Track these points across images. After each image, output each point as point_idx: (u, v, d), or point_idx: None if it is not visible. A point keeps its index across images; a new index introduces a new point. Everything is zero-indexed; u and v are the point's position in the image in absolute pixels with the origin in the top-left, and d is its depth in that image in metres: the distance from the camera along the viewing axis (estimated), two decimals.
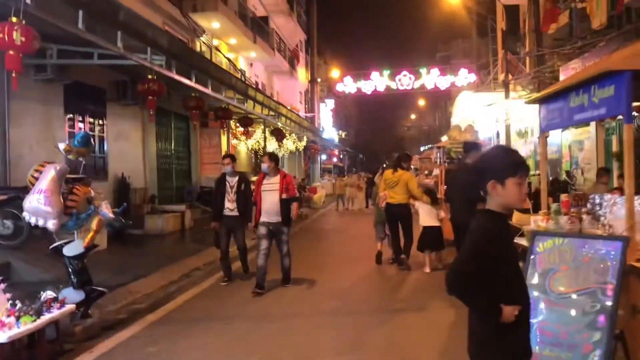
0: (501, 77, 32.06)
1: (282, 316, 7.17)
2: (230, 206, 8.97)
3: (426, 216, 9.71)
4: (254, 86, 17.73)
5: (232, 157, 9.49)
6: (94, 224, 6.16)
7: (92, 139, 6.82)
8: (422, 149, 57.52)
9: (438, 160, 14.50)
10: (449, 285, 2.60)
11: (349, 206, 24.61)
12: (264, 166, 8.52)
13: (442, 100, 57.84)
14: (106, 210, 6.29)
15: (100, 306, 7.23)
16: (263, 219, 8.37)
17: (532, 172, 25.56)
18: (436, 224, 9.67)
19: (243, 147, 25.74)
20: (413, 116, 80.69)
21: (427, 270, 9.54)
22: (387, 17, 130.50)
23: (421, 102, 68.45)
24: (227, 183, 9.08)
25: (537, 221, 5.95)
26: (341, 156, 54.89)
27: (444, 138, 35.28)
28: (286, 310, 7.48)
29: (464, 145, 12.95)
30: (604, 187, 10.27)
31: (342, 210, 24.60)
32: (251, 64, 27.65)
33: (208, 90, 12.95)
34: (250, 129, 22.66)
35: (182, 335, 6.34)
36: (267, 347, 5.95)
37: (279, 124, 20.41)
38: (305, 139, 26.14)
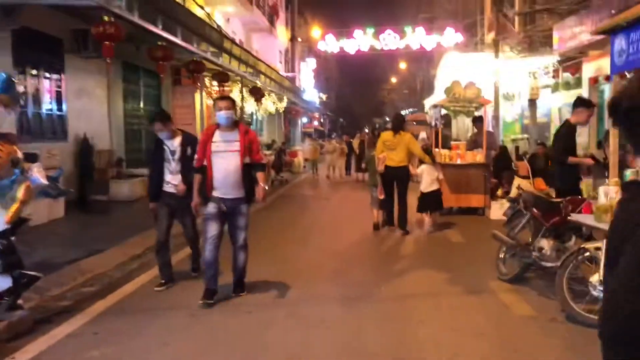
0: (489, 37, 30.83)
1: (261, 304, 5.88)
2: (172, 180, 6.39)
3: (429, 180, 9.57)
4: (229, 37, 16.11)
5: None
6: (20, 193, 4.78)
7: (15, 84, 5.30)
8: (403, 112, 56.27)
9: (433, 121, 13.22)
10: (616, 334, 1.28)
11: (331, 174, 21.92)
12: (222, 114, 5.78)
13: (423, 63, 56.39)
14: (37, 175, 4.92)
15: (40, 291, 5.91)
16: (214, 193, 5.83)
17: (520, 136, 24.45)
18: (436, 187, 9.63)
19: None
20: (394, 80, 79.14)
21: (427, 227, 9.60)
22: None
23: (402, 65, 66.92)
24: (165, 148, 6.37)
25: (608, 193, 4.65)
26: (322, 120, 53.38)
27: (430, 100, 34.08)
28: (265, 296, 6.16)
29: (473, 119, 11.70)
30: None
31: (317, 178, 22.53)
32: (228, 20, 25.83)
33: (177, 40, 11.42)
34: (226, 87, 21.21)
35: (136, 331, 5.05)
36: (247, 345, 4.70)
37: (258, 82, 18.89)
38: (285, 99, 24.63)
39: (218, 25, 16.93)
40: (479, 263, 7.24)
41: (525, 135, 23.69)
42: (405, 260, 7.72)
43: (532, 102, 22.73)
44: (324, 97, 44.92)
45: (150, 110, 17.64)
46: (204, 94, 20.51)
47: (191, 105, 19.48)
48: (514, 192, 10.96)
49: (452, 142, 11.96)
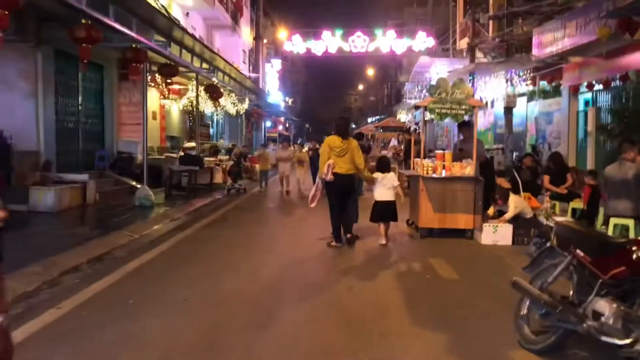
0: (462, 42, 29.36)
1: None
2: None
3: (383, 190, 8.76)
4: (180, 25, 13.96)
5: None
6: None
7: None
8: (369, 120, 54.75)
9: (413, 125, 11.38)
10: None
11: (284, 187, 16.76)
12: None
13: (392, 69, 55.02)
14: None
15: None
16: None
17: (494, 146, 22.81)
18: (391, 197, 8.75)
19: (175, 108, 21.98)
20: (361, 87, 77.84)
21: (384, 242, 8.75)
22: None
23: (370, 72, 65.55)
24: None
25: None
26: (287, 124, 51.35)
27: (401, 106, 32.55)
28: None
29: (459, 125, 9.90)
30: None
31: (265, 193, 17.31)
32: (187, 14, 23.65)
33: (108, 20, 9.30)
34: (180, 86, 19.00)
35: None
36: None
37: (215, 80, 16.77)
38: (247, 101, 22.52)
39: (167, 11, 14.77)
40: (487, 316, 5.31)
41: (500, 145, 22.16)
42: (388, 312, 5.63)
43: (509, 110, 21.19)
44: (289, 101, 42.89)
45: (91, 107, 15.38)
46: (154, 90, 18.34)
47: (140, 103, 17.24)
48: (511, 211, 9.21)
49: (436, 151, 10.10)
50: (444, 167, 9.07)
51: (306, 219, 11.53)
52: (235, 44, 30.22)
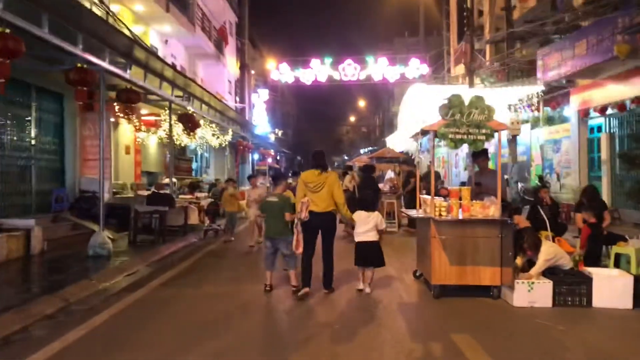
0: (457, 69, 27.73)
1: None
2: None
3: (365, 228, 7.50)
4: (145, 46, 12.00)
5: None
6: None
7: None
8: (362, 151, 53.06)
9: (417, 156, 9.38)
10: None
11: (255, 238, 12.41)
12: None
13: (384, 99, 53.59)
14: None
15: None
16: None
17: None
18: (375, 238, 7.51)
19: (153, 141, 19.97)
20: (352, 118, 76.51)
21: (367, 290, 7.53)
22: (330, 7, 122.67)
23: (361, 103, 64.15)
24: None
25: None
26: (278, 157, 49.42)
27: (392, 138, 30.65)
28: None
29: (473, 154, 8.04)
30: None
31: (229, 243, 13.23)
32: (166, 41, 21.91)
33: (38, 31, 7.35)
34: (155, 117, 17.04)
35: None
36: None
37: (190, 108, 14.82)
38: (230, 132, 20.59)
39: (132, 32, 12.86)
40: None
41: (505, 176, 20.26)
42: None
43: (513, 138, 19.38)
44: (279, 133, 41.04)
45: (47, 141, 13.38)
46: (124, 122, 16.36)
47: (107, 137, 15.24)
48: (540, 264, 7.13)
49: (449, 188, 8.17)
50: (460, 207, 7.06)
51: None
52: (219, 74, 28.48)
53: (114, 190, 16.23)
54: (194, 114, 14.89)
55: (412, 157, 15.62)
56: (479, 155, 8.18)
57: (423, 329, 5.87)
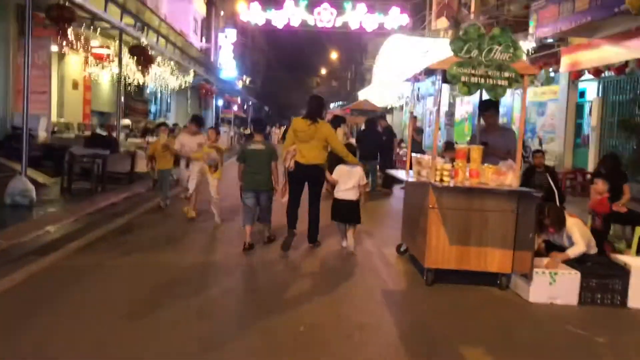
0: (439, 22, 25.89)
1: None
2: None
3: (343, 186, 6.82)
4: None
5: None
6: None
7: None
8: (332, 105, 51.18)
9: (413, 101, 7.46)
10: None
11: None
12: None
13: (356, 53, 51.37)
14: None
15: None
16: None
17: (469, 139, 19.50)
18: (354, 196, 6.82)
19: (106, 78, 17.71)
20: (323, 71, 74.04)
21: (351, 248, 6.81)
22: None
23: (334, 55, 61.68)
24: None
25: None
26: (245, 106, 47.06)
27: (366, 92, 28.83)
28: None
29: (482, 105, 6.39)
30: None
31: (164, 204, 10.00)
32: None
33: None
34: (107, 50, 14.79)
35: None
36: None
37: (143, 40, 12.69)
38: (192, 73, 18.43)
39: None
40: None
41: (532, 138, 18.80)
42: None
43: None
44: (247, 80, 38.59)
45: None
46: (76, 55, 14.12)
47: (45, 66, 13.06)
48: (580, 244, 5.49)
49: (457, 145, 6.57)
50: (468, 172, 5.42)
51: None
52: (185, 11, 25.96)
53: (56, 129, 14.15)
54: (148, 47, 12.78)
55: (403, 106, 13.97)
56: (486, 108, 6.51)
57: (420, 337, 4.28)
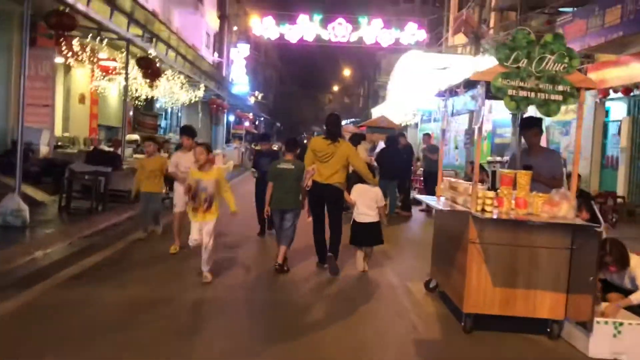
0: (456, 38, 25.19)
1: None
2: None
3: (364, 208, 6.59)
4: None
5: None
6: None
7: None
8: (344, 122, 50.59)
9: (444, 120, 6.55)
10: None
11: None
12: None
13: (370, 70, 50.87)
14: None
15: None
16: None
17: (498, 158, 18.69)
18: (374, 218, 6.62)
19: (114, 91, 17.13)
20: (336, 88, 73.61)
21: (363, 268, 6.64)
22: None
23: (347, 72, 61.20)
24: None
25: None
26: (256, 122, 46.52)
27: (378, 110, 28.09)
28: None
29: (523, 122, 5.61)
30: None
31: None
32: None
33: None
34: (115, 62, 14.19)
35: None
36: None
37: (152, 52, 12.09)
38: (202, 87, 17.83)
39: None
40: None
41: (505, 158, 18.01)
42: None
43: (514, 117, 17.08)
44: (259, 96, 38.08)
45: None
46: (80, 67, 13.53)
47: (49, 78, 12.52)
48: None
49: (490, 161, 5.90)
50: (518, 202, 4.63)
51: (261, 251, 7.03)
52: (197, 25, 25.48)
53: (59, 143, 13.55)
54: (156, 59, 12.16)
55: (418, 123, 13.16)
56: (530, 126, 5.73)
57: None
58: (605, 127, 15.07)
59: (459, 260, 4.84)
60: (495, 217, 4.54)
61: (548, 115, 4.58)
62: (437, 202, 5.66)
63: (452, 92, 5.48)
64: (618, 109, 14.40)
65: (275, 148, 12.41)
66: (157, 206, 8.48)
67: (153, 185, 8.06)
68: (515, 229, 4.60)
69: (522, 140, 5.96)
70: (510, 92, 4.48)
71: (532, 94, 4.47)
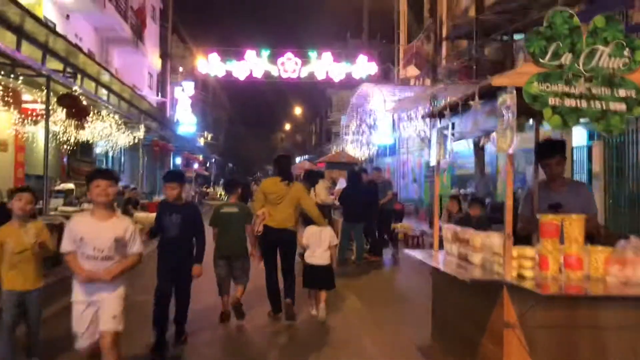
0: (409, 69, 24.33)
1: None
2: None
3: (316, 249, 6.21)
4: None
5: None
6: None
7: None
8: (297, 160, 49.48)
9: (438, 150, 5.05)
10: None
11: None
12: None
13: (321, 107, 50.06)
14: None
15: None
16: None
17: (462, 191, 17.57)
18: (326, 261, 6.22)
19: (42, 136, 15.06)
20: (287, 126, 72.83)
21: (317, 312, 6.18)
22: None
23: (298, 111, 60.34)
24: None
25: None
26: (207, 164, 44.57)
27: (337, 144, 26.86)
28: None
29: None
30: None
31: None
32: (67, 16, 17.12)
33: None
34: (41, 104, 12.28)
35: None
36: None
37: (76, 88, 10.32)
38: (142, 128, 16.03)
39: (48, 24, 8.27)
40: None
41: (469, 190, 16.85)
42: None
43: (479, 148, 16.02)
44: (209, 137, 36.21)
45: None
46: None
47: None
48: None
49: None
50: (564, 259, 3.11)
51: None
52: (138, 64, 23.75)
53: None
54: (81, 97, 10.40)
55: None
56: (552, 152, 4.27)
57: None
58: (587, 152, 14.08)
59: (486, 351, 3.25)
60: (538, 290, 2.98)
61: (609, 132, 3.11)
62: (438, 259, 4.09)
63: (453, 108, 3.97)
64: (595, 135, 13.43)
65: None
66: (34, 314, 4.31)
67: (24, 278, 4.17)
68: (573, 303, 3.06)
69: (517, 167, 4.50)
70: (551, 101, 3.00)
71: (584, 103, 3.00)
